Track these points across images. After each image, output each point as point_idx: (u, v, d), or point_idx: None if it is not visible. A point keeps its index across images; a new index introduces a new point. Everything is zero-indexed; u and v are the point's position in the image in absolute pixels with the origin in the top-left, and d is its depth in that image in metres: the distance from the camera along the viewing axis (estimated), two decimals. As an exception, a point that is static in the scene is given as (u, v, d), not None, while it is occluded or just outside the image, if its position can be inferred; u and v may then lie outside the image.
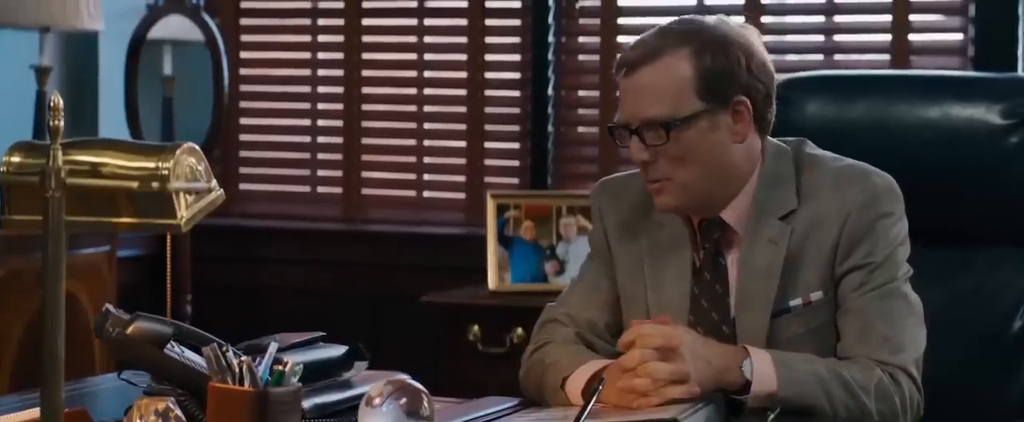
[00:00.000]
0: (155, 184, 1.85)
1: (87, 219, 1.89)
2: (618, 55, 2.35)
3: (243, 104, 4.88)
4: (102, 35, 4.40)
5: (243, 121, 4.89)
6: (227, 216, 4.83)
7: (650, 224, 2.35)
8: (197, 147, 1.97)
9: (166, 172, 1.87)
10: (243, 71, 4.87)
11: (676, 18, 2.31)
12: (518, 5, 4.53)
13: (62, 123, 1.87)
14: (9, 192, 1.93)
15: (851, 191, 2.25)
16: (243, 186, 4.91)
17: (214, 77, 4.58)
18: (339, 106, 4.76)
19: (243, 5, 4.87)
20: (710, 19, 2.28)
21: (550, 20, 4.47)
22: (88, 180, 1.86)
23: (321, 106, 4.81)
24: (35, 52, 4.22)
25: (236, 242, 4.79)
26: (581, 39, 4.52)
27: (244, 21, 4.87)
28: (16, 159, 1.95)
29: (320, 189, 4.83)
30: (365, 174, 4.74)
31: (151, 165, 1.87)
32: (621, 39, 4.42)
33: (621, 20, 4.43)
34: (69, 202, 1.84)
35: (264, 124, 4.90)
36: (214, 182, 1.96)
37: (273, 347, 2.09)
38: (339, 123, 4.76)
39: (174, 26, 4.61)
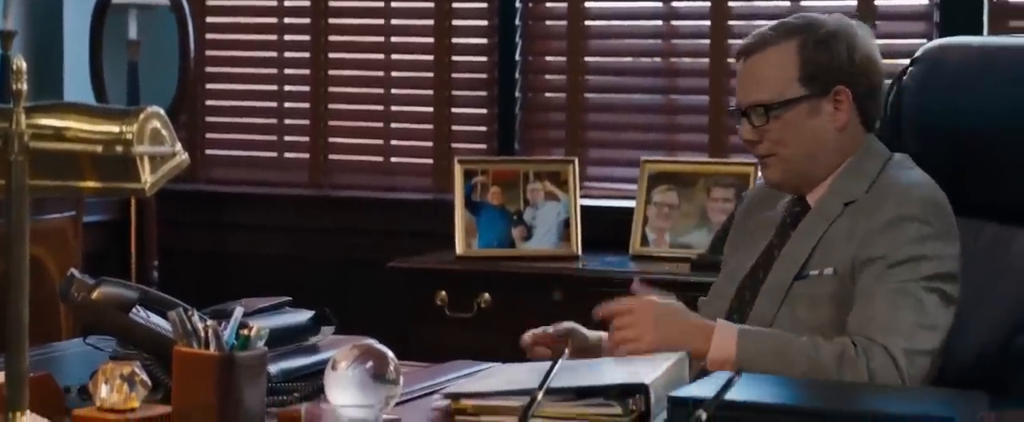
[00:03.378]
0: (119, 148, 1.84)
1: (51, 183, 1.88)
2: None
3: (209, 69, 4.86)
4: (66, -1, 4.37)
5: (209, 86, 4.87)
6: (193, 181, 4.82)
7: (766, 210, 2.54)
8: (161, 111, 1.97)
9: (130, 136, 1.86)
10: (209, 36, 4.84)
11: (796, 14, 2.50)
12: (485, -30, 4.52)
13: (25, 86, 1.86)
14: (-29, 156, 1.92)
15: (903, 200, 2.35)
16: (209, 151, 4.90)
17: (180, 42, 4.56)
18: (306, 71, 4.74)
19: (208, -31, 4.85)
20: (824, 16, 2.43)
21: (517, -15, 4.46)
22: (52, 144, 1.85)
23: (288, 71, 4.79)
24: (-1, 16, 4.19)
25: (202, 207, 4.78)
26: (548, 4, 4.51)
27: (210, -15, 4.85)
28: (-22, 123, 1.94)
29: (287, 154, 4.82)
30: (332, 139, 4.73)
31: (115, 129, 1.86)
32: (587, 4, 4.42)
33: (588, -15, 4.43)
34: (33, 166, 1.84)
35: (231, 89, 4.88)
36: (179, 146, 1.95)
37: (239, 311, 2.09)
38: (306, 88, 4.75)
39: (139, -11, 4.59)
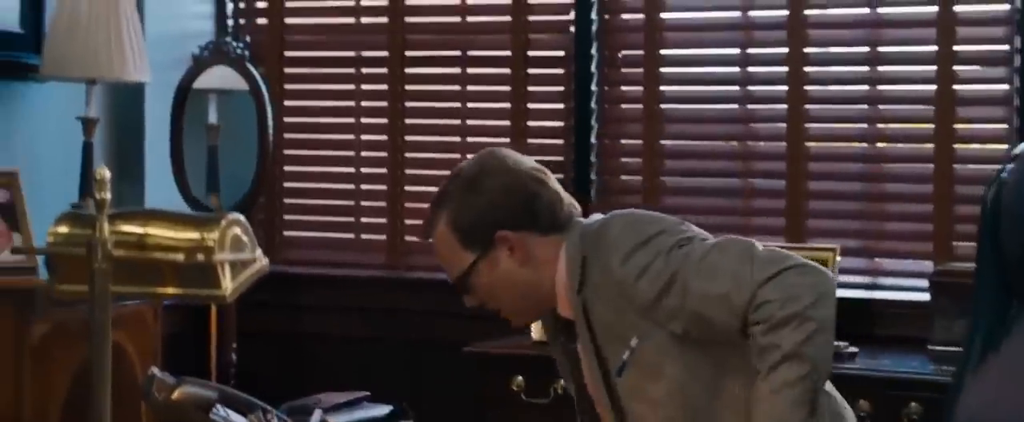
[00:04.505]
0: (200, 256, 1.87)
1: (132, 289, 1.91)
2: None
3: (288, 151, 4.91)
4: (148, 86, 4.42)
5: (288, 168, 4.92)
6: (272, 263, 4.83)
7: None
8: (242, 218, 1.99)
9: (212, 243, 1.89)
10: (288, 119, 4.90)
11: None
12: (561, 54, 4.54)
13: (108, 195, 1.89)
14: (56, 262, 1.95)
15: (610, 242, 2.41)
16: (288, 233, 4.94)
17: (259, 125, 4.61)
18: (383, 154, 4.78)
19: (288, 54, 4.91)
20: (459, 172, 2.53)
21: (593, 69, 4.48)
22: (134, 252, 1.88)
23: (365, 154, 4.83)
24: (82, 103, 4.25)
25: (281, 289, 4.80)
26: (623, 88, 4.52)
27: (289, 69, 4.90)
28: (63, 229, 1.98)
29: (364, 236, 4.84)
30: (409, 221, 4.75)
31: (196, 236, 1.89)
32: (664, 88, 4.43)
33: (663, 69, 4.43)
34: (115, 272, 1.86)
35: (308, 171, 4.93)
36: (259, 252, 1.98)
37: (317, 415, 2.10)
38: (383, 170, 4.78)
39: (219, 76, 4.65)
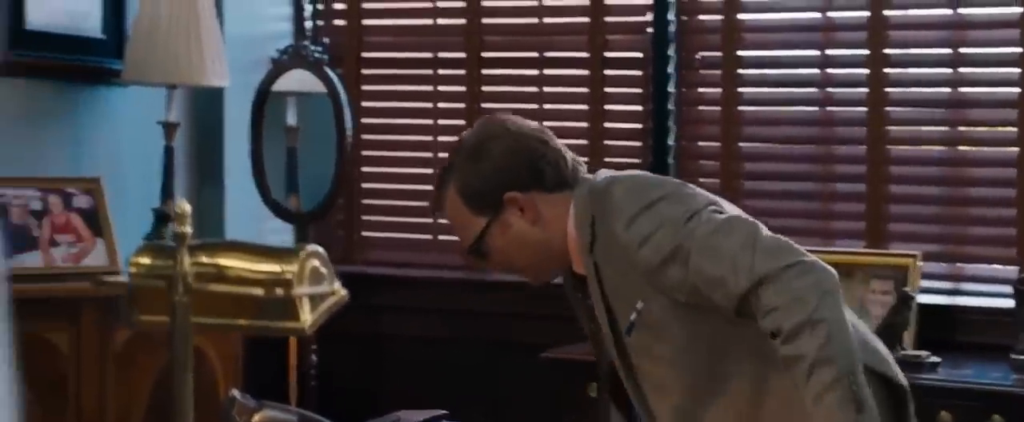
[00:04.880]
0: (279, 290, 1.88)
1: (212, 321, 1.93)
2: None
3: (366, 152, 4.93)
4: (228, 89, 4.46)
5: (366, 169, 4.94)
6: (350, 263, 4.89)
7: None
8: (321, 250, 2.00)
9: (290, 276, 1.90)
10: (366, 120, 4.92)
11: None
12: (639, 56, 4.52)
13: (189, 229, 1.91)
14: (137, 293, 1.97)
15: (607, 217, 2.42)
16: (366, 233, 4.96)
17: (336, 128, 4.63)
18: (460, 155, 4.77)
19: (365, 55, 4.92)
20: (463, 141, 2.57)
21: (670, 70, 4.46)
22: (214, 286, 1.89)
23: (442, 155, 4.83)
24: (163, 107, 4.29)
25: (359, 290, 4.78)
26: (701, 90, 4.50)
27: (366, 71, 4.92)
28: (144, 261, 1.99)
29: (441, 237, 4.86)
30: (486, 223, 4.75)
31: (276, 269, 1.91)
32: (742, 89, 4.40)
33: (741, 71, 4.41)
34: (194, 302, 1.88)
35: (386, 172, 4.94)
36: (337, 284, 1.99)
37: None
38: (460, 172, 4.78)
39: (298, 79, 4.67)
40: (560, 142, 2.56)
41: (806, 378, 2.24)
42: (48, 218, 3.95)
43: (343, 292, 1.97)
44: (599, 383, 2.70)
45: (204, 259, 1.94)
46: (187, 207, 1.91)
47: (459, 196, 2.51)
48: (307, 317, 1.92)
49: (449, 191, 2.53)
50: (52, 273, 3.88)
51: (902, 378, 2.48)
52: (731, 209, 2.47)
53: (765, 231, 2.36)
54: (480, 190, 2.49)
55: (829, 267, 2.32)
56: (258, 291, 1.89)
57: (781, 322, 2.23)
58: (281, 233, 4.87)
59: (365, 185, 4.95)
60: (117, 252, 4.02)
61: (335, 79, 4.63)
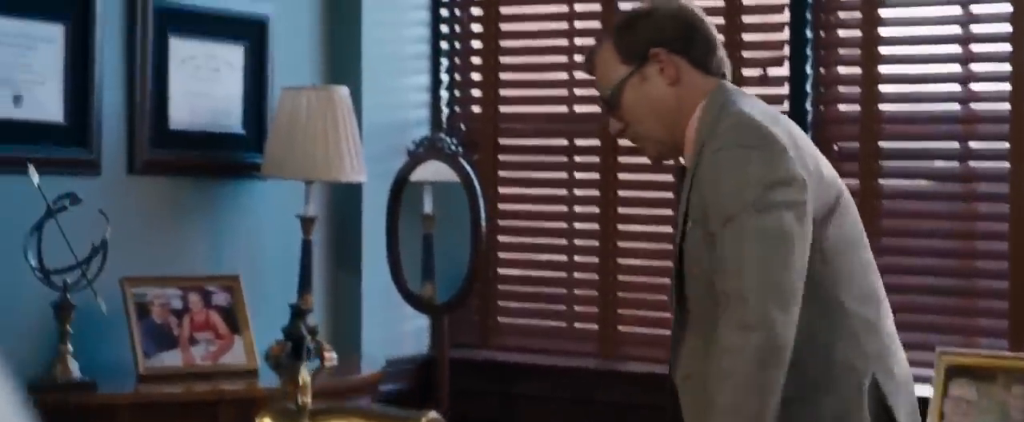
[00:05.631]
0: (399, 460, 1.90)
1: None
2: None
3: (502, 238, 4.95)
4: (365, 178, 4.50)
5: (502, 255, 4.96)
6: (485, 349, 4.91)
7: None
8: (440, 417, 2.01)
9: (411, 445, 1.92)
10: (502, 206, 4.95)
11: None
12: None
13: (309, 399, 1.93)
14: (262, 457, 2.00)
15: (712, 135, 2.52)
16: (501, 319, 4.98)
17: (471, 218, 4.66)
18: (595, 243, 4.78)
19: (502, 141, 4.95)
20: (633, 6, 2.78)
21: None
22: (336, 455, 1.92)
23: (578, 242, 4.85)
24: (301, 201, 4.36)
25: (493, 376, 4.85)
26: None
27: (503, 157, 4.95)
28: (268, 423, 2.02)
29: (577, 325, 4.85)
30: (621, 311, 4.74)
31: (396, 436, 1.92)
32: (882, 181, 4.33)
33: (882, 162, 4.34)
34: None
35: (522, 259, 4.96)
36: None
37: None
38: (595, 259, 4.79)
39: (434, 169, 4.71)
40: (719, 39, 2.68)
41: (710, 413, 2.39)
42: (188, 316, 4.03)
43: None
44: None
45: (326, 424, 1.96)
46: (308, 377, 1.94)
47: (613, 43, 2.65)
48: (427, 484, 1.93)
49: (607, 39, 2.67)
50: (192, 372, 3.95)
51: None
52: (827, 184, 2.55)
53: (796, 259, 2.42)
54: (633, 40, 2.63)
55: (786, 338, 2.38)
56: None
57: (718, 354, 2.40)
58: (418, 319, 4.90)
59: (501, 271, 4.97)
60: (255, 349, 4.08)
61: (470, 171, 4.66)
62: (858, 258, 2.64)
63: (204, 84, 4.30)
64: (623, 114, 2.65)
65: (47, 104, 3.87)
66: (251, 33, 4.43)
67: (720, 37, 2.72)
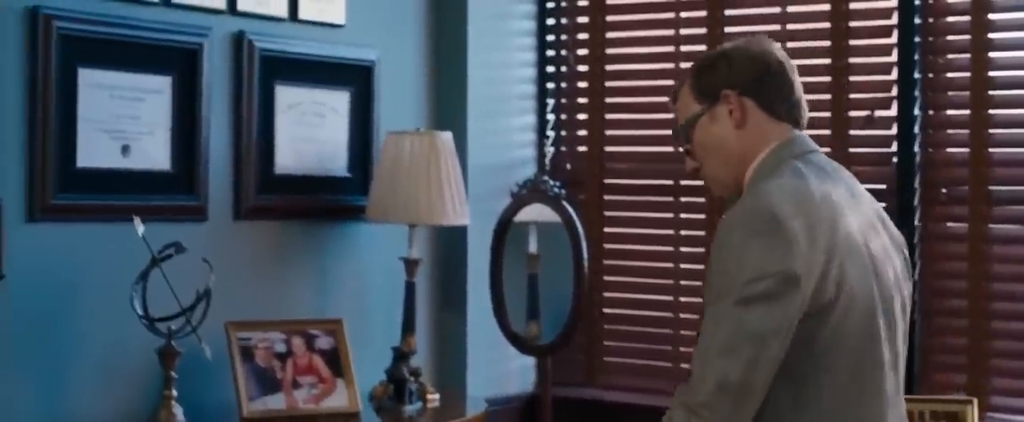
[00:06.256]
0: None
1: None
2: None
3: (607, 278, 4.95)
4: (470, 220, 4.53)
5: (607, 294, 4.96)
6: (590, 387, 4.91)
7: None
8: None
9: None
10: (607, 245, 4.94)
11: None
12: (882, 187, 4.42)
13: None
14: None
15: (743, 200, 2.50)
16: (607, 359, 4.98)
17: (574, 259, 4.67)
18: (699, 283, 4.76)
19: (607, 181, 4.95)
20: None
21: (916, 203, 4.35)
22: None
23: (683, 283, 4.83)
24: (405, 243, 4.40)
25: (598, 415, 4.85)
26: (948, 224, 4.37)
27: (607, 197, 4.95)
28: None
29: (683, 365, 4.83)
30: (726, 353, 4.70)
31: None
32: (992, 226, 4.26)
33: (990, 208, 4.26)
34: None
35: (627, 298, 4.95)
36: None
37: None
38: (699, 300, 4.76)
39: (537, 211, 4.73)
40: (801, 86, 2.66)
41: None
42: (291, 360, 4.08)
43: None
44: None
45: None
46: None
47: (692, 80, 2.68)
48: None
49: (688, 80, 2.70)
50: (294, 415, 4.00)
51: None
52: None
53: (766, 358, 2.35)
54: (708, 79, 2.65)
55: None
56: None
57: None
58: (522, 358, 4.92)
59: (607, 310, 4.97)
60: (357, 392, 4.12)
61: (572, 213, 4.67)
62: (854, 357, 2.46)
63: (309, 129, 4.36)
64: (694, 151, 2.67)
65: (154, 153, 3.95)
66: (357, 79, 4.48)
67: (800, 82, 2.65)
